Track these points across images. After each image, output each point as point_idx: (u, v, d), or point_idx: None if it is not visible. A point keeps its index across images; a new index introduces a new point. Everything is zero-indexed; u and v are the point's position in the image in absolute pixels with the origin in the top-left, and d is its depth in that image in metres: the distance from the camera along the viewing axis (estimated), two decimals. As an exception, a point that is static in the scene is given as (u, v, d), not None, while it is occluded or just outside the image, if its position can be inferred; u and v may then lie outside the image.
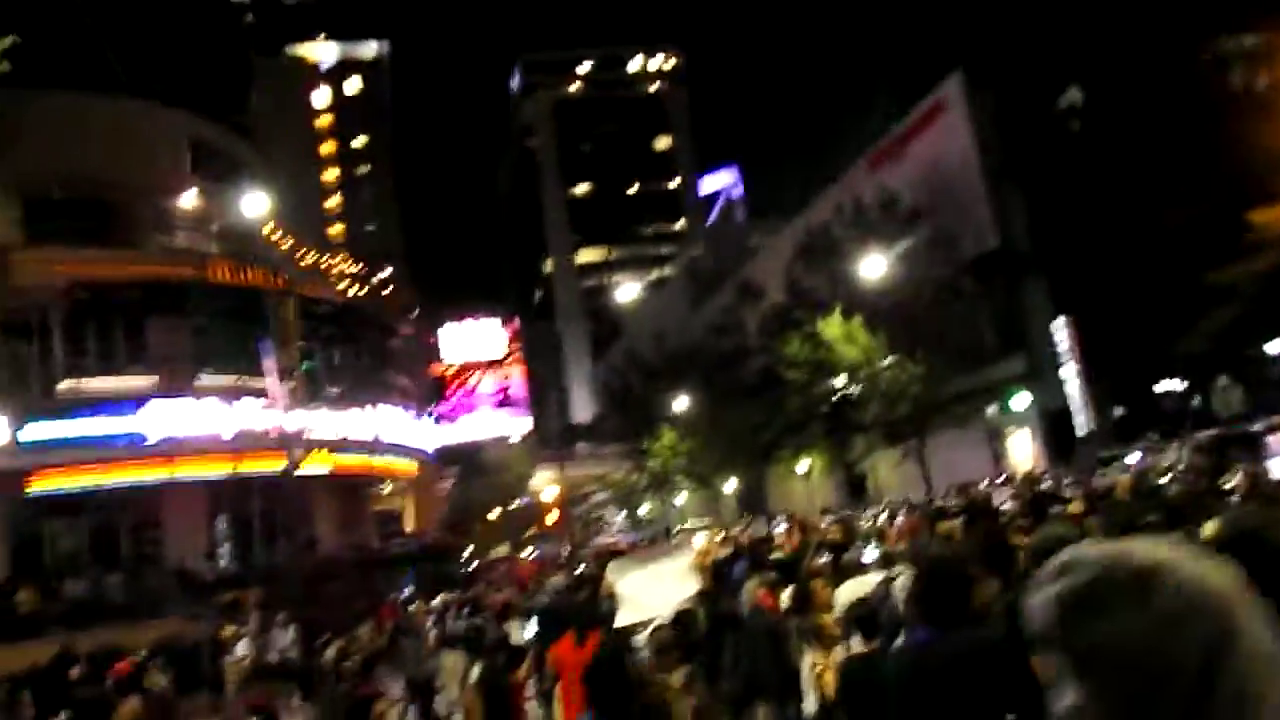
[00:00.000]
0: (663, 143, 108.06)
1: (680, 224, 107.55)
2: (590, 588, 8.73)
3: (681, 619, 5.85)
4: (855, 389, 34.38)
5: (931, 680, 2.72)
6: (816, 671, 5.45)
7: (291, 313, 27.86)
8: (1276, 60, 26.00)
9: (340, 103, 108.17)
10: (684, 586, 6.85)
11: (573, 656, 6.82)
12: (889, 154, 41.05)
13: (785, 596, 7.25)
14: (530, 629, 7.98)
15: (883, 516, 15.25)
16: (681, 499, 61.06)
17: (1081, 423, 30.87)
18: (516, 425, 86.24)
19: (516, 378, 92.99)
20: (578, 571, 20.56)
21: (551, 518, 39.96)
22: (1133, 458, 20.49)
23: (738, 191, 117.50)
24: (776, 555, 10.68)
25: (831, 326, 33.53)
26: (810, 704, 5.68)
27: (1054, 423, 32.42)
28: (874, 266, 32.46)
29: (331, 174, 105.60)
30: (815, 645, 5.73)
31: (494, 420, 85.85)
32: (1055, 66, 33.35)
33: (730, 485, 53.53)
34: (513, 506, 52.90)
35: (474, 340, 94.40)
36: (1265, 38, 26.25)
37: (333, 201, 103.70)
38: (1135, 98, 29.52)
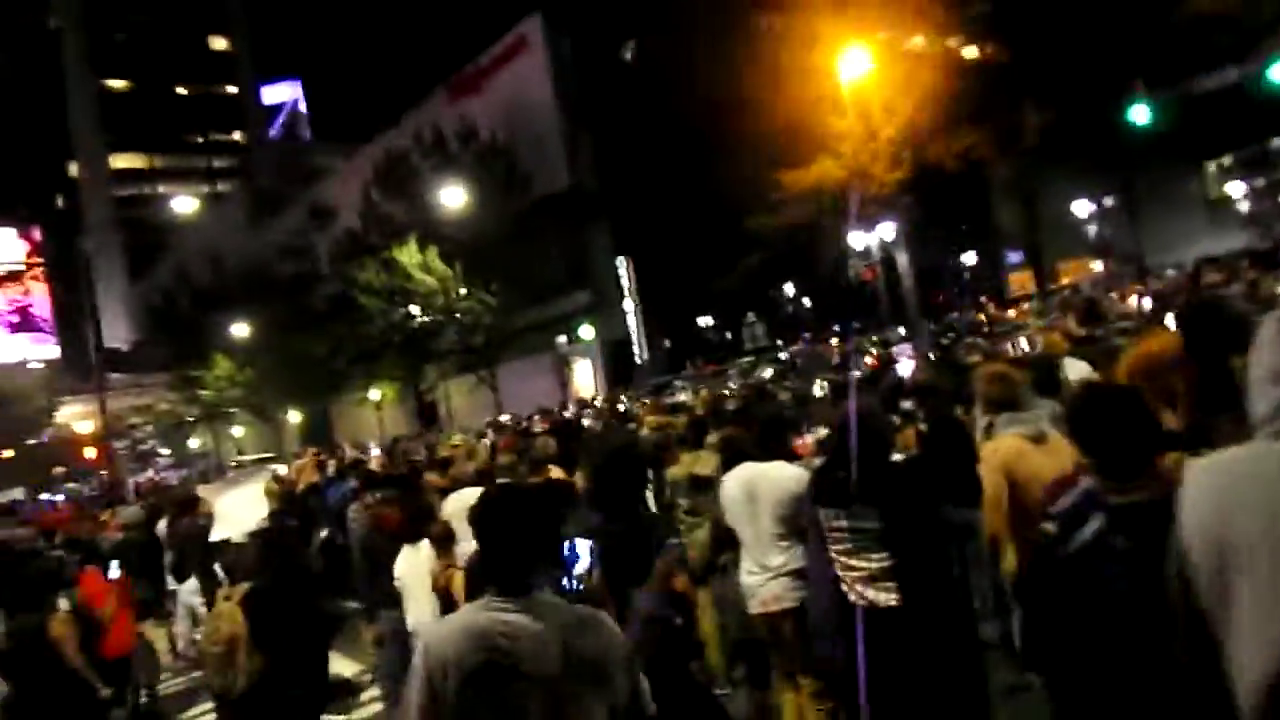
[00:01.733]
0: (219, 44, 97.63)
1: (239, 135, 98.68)
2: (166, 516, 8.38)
3: (262, 534, 5.79)
4: (430, 318, 34.58)
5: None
6: (447, 575, 5.70)
7: None
8: (793, 43, 29.49)
9: None
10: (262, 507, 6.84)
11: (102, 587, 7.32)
12: (469, 85, 41.25)
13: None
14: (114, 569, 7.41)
15: (469, 437, 15.82)
16: (238, 431, 57.35)
17: (638, 352, 33.99)
18: (39, 351, 74.34)
19: (39, 296, 79.42)
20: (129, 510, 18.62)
21: (90, 453, 35.28)
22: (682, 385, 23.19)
23: (301, 107, 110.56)
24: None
25: (408, 254, 33.28)
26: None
27: (614, 352, 35.32)
28: (453, 197, 32.61)
29: None
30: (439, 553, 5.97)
31: (10, 344, 72.87)
32: (624, 17, 35.54)
33: (295, 416, 51.33)
34: (31, 442, 45.91)
35: (-19, 251, 79.05)
36: (786, 19, 29.72)
37: None
38: (685, 58, 32.29)
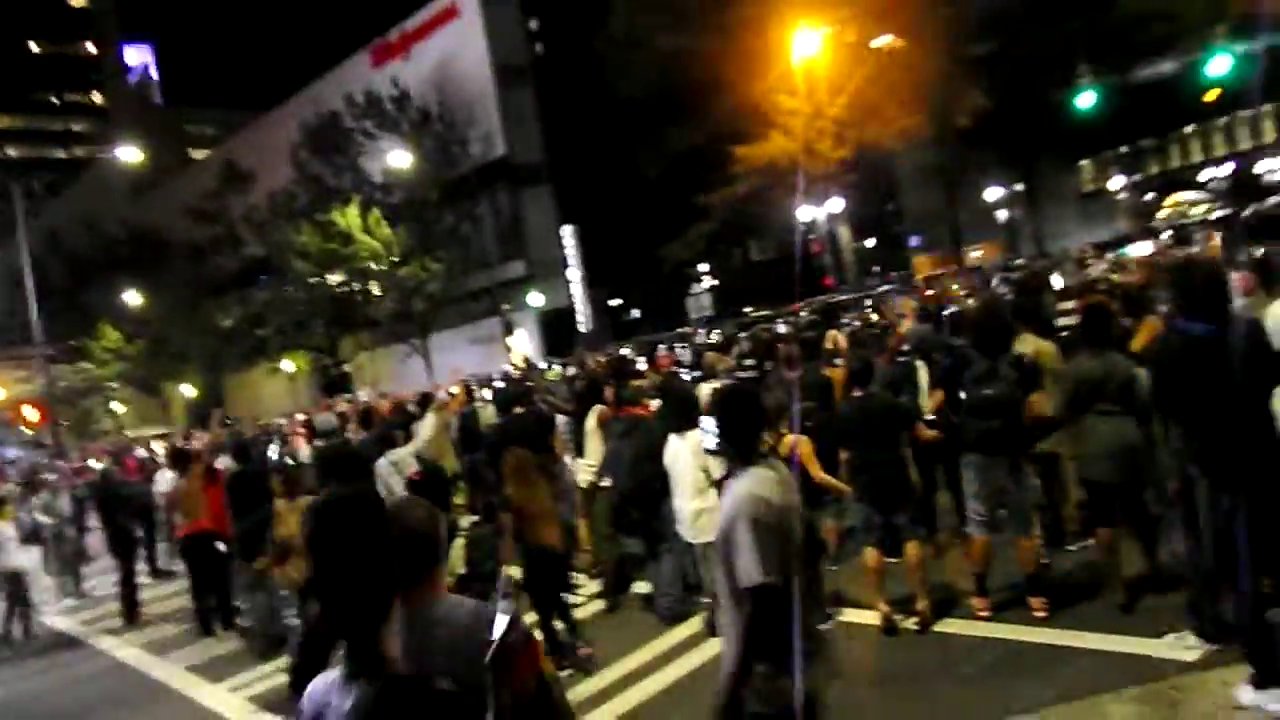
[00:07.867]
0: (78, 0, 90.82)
1: (99, 98, 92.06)
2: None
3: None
4: (370, 284, 33.76)
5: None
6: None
7: None
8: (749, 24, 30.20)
9: None
10: None
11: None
12: (394, 50, 40.32)
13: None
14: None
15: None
16: (119, 407, 53.98)
17: (582, 322, 34.26)
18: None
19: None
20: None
21: (33, 416, 32.42)
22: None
23: (153, 71, 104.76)
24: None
25: (350, 217, 32.42)
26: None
27: (554, 321, 35.42)
28: (398, 160, 32.05)
29: None
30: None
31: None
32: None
33: (187, 390, 48.87)
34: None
35: None
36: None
37: None
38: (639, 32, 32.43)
